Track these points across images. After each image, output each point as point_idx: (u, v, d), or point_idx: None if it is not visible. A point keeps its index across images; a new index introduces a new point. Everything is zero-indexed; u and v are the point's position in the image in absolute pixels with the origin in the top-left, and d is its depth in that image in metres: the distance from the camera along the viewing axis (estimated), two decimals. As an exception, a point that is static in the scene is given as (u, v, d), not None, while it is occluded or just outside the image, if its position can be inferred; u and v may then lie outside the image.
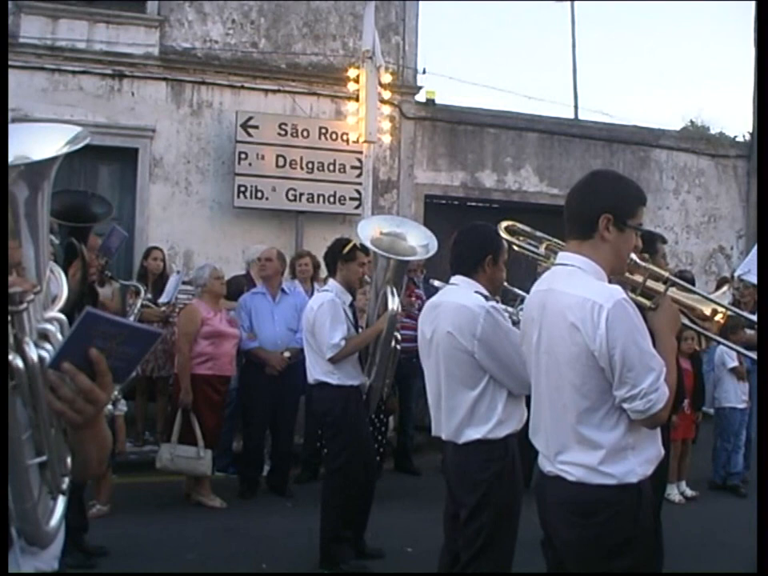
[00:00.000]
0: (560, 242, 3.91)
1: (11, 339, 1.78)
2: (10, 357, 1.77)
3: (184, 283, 9.35)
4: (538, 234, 4.17)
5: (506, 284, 4.98)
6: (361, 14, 12.89)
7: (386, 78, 12.52)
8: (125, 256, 11.36)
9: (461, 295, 4.51)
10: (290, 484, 8.83)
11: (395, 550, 6.89)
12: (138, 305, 7.70)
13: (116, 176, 12.49)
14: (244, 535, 7.36)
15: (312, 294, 9.12)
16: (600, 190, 3.37)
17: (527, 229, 4.21)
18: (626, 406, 3.11)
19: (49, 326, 1.87)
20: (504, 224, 4.30)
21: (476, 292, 4.48)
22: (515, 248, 4.26)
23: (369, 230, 6.55)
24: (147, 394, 9.79)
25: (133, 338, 1.88)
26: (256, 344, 8.60)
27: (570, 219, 3.40)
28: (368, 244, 6.42)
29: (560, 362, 3.23)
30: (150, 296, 8.97)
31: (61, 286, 2.06)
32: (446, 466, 4.77)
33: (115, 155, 12.25)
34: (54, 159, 1.84)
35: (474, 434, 4.43)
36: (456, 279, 4.65)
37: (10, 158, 1.78)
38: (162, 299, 9.13)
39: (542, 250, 4.13)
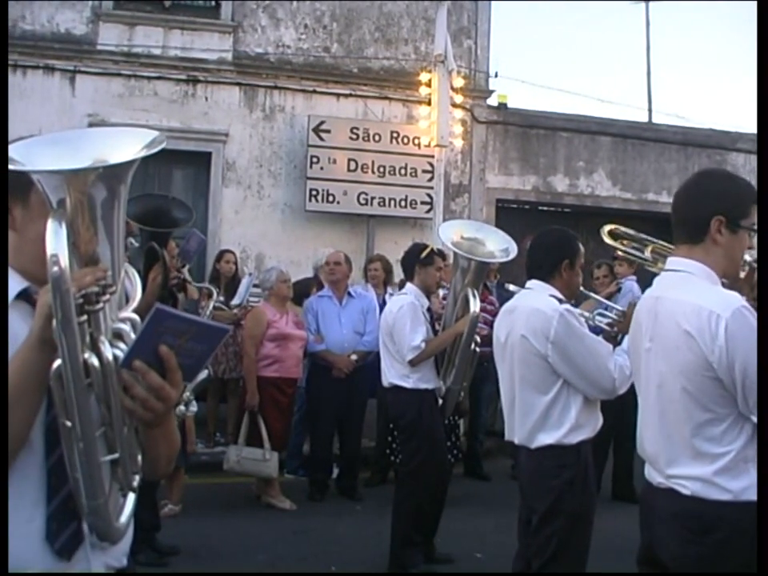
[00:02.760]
0: (666, 244, 3.78)
1: (87, 338, 1.82)
2: (86, 355, 1.80)
3: (255, 286, 9.43)
4: (643, 236, 4.01)
5: (582, 288, 4.92)
6: (433, 17, 12.90)
7: (458, 82, 12.49)
8: (198, 258, 11.51)
9: (535, 299, 4.46)
10: (360, 487, 8.84)
11: (464, 555, 6.84)
12: (210, 307, 7.78)
13: (189, 180, 12.67)
14: (313, 537, 7.38)
15: (383, 298, 9.15)
16: (710, 191, 3.18)
17: (631, 232, 4.06)
18: (755, 419, 2.93)
19: (123, 326, 1.91)
20: (607, 228, 4.16)
21: (550, 296, 4.43)
22: (620, 253, 4.14)
23: (450, 234, 6.55)
24: (219, 395, 9.88)
25: (201, 334, 1.90)
26: (323, 347, 8.63)
27: (679, 223, 3.23)
28: (449, 246, 6.42)
29: (675, 372, 3.06)
30: (221, 298, 9.07)
31: (135, 286, 2.09)
32: (519, 471, 4.74)
33: (189, 159, 12.42)
34: (130, 163, 1.87)
35: (546, 438, 4.37)
36: (531, 283, 4.61)
37: (89, 161, 1.81)
38: (234, 301, 9.23)
39: (647, 254, 3.98)
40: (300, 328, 8.41)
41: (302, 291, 9.23)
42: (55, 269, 1.73)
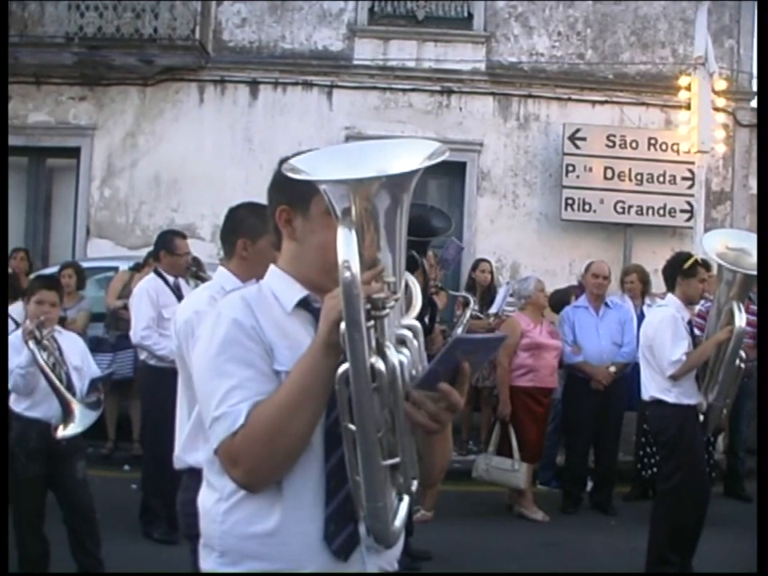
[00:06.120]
0: None
1: (373, 343, 1.86)
2: (372, 360, 1.85)
3: (510, 295, 9.43)
4: None
5: None
6: (691, 18, 12.49)
7: (720, 85, 11.98)
8: (454, 267, 11.63)
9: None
10: (617, 501, 8.64)
11: (723, 578, 6.57)
12: (467, 315, 7.84)
13: (444, 190, 12.84)
14: (565, 550, 7.29)
15: (641, 309, 8.92)
16: None
17: None
18: None
19: (406, 333, 1.94)
20: None
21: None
22: None
23: (714, 244, 6.32)
24: (472, 403, 9.92)
25: (484, 347, 1.97)
26: (580, 358, 8.50)
27: None
28: (714, 257, 6.19)
29: None
30: (476, 307, 9.12)
31: (415, 294, 2.12)
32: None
33: (443, 169, 12.54)
34: (413, 173, 1.90)
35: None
36: None
37: (373, 172, 1.86)
38: (491, 310, 9.26)
39: None
40: (555, 337, 8.31)
41: (561, 300, 9.15)
42: (347, 274, 1.79)
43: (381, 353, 1.86)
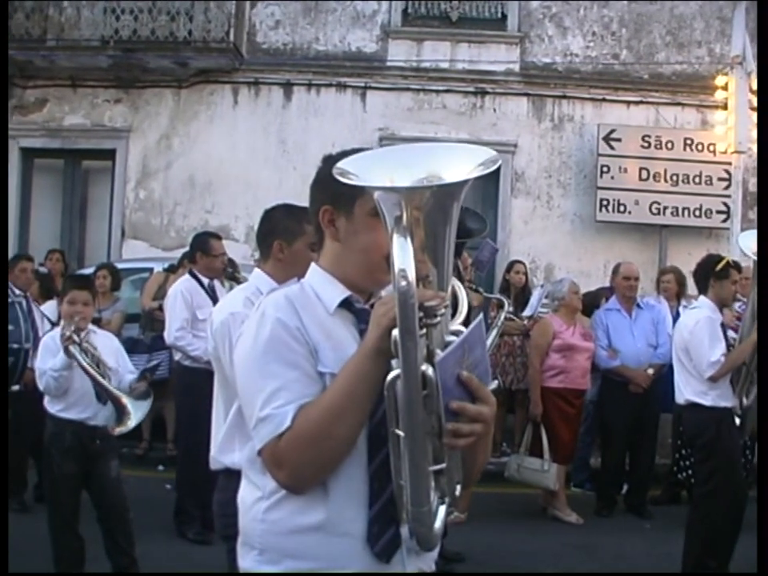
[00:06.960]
0: None
1: (424, 350, 1.85)
2: (423, 367, 1.84)
3: (545, 297, 9.39)
4: None
5: None
6: (728, 17, 12.41)
7: (758, 84, 11.90)
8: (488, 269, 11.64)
9: None
10: (648, 504, 8.57)
11: (762, 583, 6.47)
12: (502, 318, 7.80)
13: (478, 191, 12.79)
14: (599, 553, 7.23)
15: (677, 311, 8.85)
16: None
17: None
18: None
19: (453, 339, 1.93)
20: None
21: None
22: None
23: (750, 243, 6.25)
24: (506, 405, 9.88)
25: (471, 343, 1.95)
26: (618, 362, 8.44)
27: None
28: (750, 256, 6.14)
29: None
30: (511, 309, 9.08)
31: (462, 300, 2.11)
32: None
33: (477, 170, 12.53)
34: (464, 182, 1.88)
35: None
36: None
37: (424, 174, 1.85)
38: (526, 313, 9.22)
39: None
40: (587, 340, 8.27)
41: (592, 302, 9.08)
42: (403, 283, 1.77)
43: (431, 360, 1.85)
